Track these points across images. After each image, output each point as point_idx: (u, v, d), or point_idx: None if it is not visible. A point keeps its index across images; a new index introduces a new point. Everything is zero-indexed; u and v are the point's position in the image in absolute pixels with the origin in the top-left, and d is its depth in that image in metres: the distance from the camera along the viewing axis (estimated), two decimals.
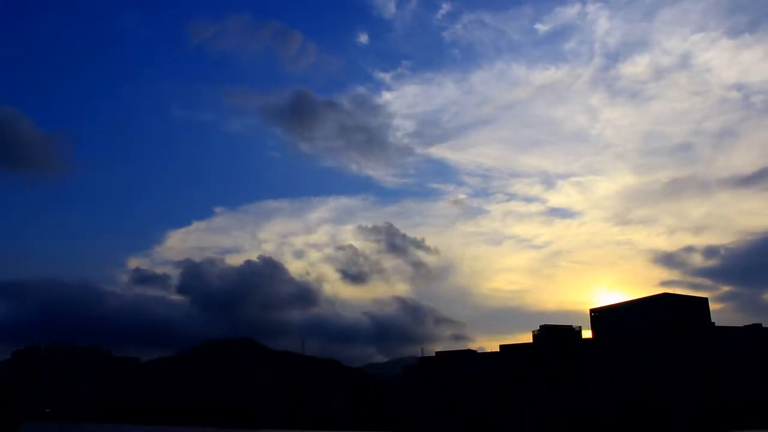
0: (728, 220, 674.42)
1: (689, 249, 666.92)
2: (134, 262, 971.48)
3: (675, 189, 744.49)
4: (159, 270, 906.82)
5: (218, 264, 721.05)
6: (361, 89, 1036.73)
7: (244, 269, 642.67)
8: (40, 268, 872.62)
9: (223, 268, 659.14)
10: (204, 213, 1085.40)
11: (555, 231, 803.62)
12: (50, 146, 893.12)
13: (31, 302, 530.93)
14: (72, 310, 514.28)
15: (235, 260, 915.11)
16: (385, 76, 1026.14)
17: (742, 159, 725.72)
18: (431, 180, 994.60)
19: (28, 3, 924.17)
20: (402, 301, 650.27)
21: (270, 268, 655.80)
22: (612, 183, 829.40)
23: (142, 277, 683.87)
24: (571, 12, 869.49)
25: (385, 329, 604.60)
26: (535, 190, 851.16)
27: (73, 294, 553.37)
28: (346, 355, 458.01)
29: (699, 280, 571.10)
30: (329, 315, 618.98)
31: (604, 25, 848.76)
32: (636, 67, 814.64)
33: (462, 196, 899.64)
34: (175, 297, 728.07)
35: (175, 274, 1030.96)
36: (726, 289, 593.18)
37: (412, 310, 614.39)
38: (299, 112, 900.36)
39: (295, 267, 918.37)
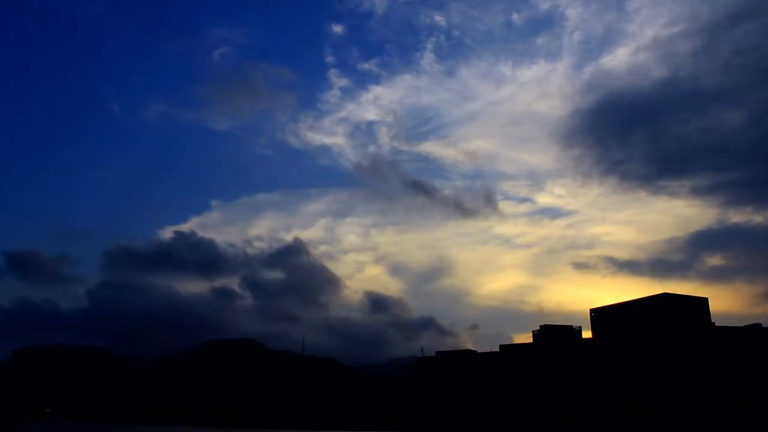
0: (725, 217, 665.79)
1: (685, 247, 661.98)
2: None
3: (667, 186, 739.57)
4: None
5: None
6: (345, 81, 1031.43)
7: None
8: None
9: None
10: (200, 208, 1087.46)
11: (548, 230, 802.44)
12: None
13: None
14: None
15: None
16: (371, 66, 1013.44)
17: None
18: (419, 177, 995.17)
19: None
20: (398, 299, 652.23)
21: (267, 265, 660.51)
22: (603, 180, 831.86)
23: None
24: (543, 6, 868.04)
25: (382, 328, 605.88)
26: (525, 190, 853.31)
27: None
28: (346, 355, 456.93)
29: (699, 278, 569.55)
30: (328, 314, 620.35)
31: (575, 18, 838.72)
32: (615, 62, 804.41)
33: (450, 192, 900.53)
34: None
35: None
36: (726, 287, 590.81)
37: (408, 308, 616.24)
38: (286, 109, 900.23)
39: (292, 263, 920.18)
